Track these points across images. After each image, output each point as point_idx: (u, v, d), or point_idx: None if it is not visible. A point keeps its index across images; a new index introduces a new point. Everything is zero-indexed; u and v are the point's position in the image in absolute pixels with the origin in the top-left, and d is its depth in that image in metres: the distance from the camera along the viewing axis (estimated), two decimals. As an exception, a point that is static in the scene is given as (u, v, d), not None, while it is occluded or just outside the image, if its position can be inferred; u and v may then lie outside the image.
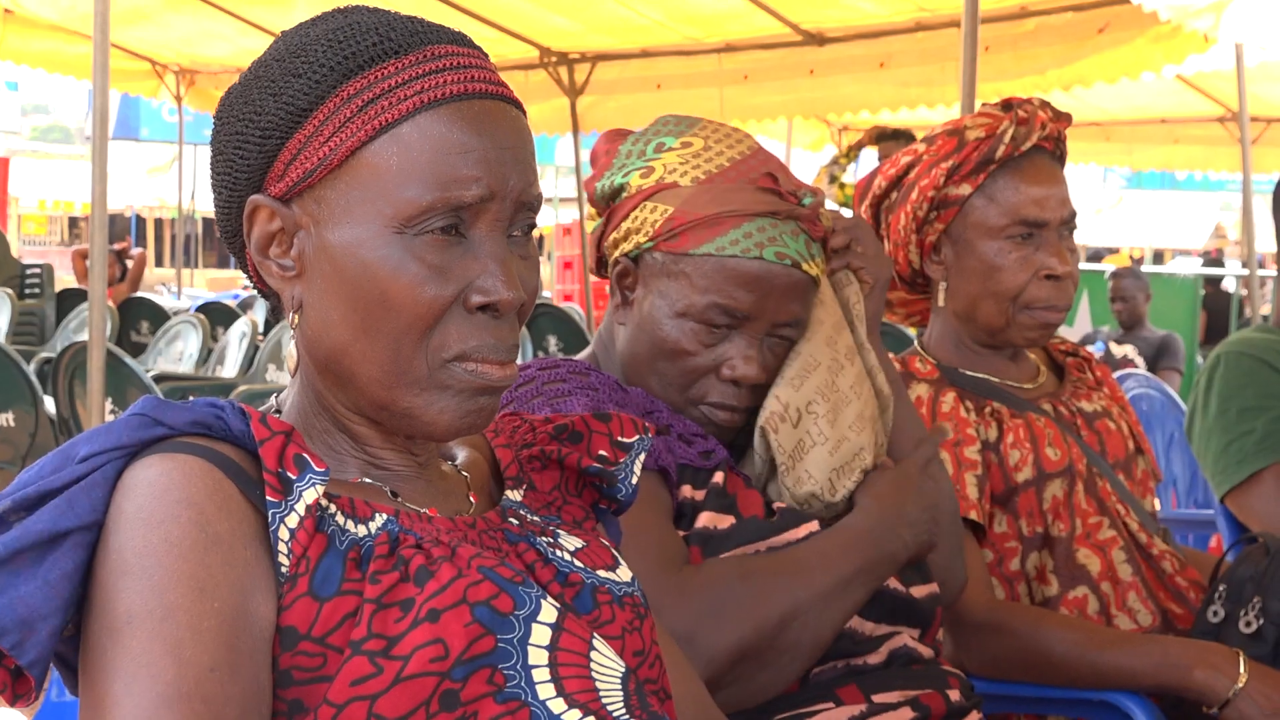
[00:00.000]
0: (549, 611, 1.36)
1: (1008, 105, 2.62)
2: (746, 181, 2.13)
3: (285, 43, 1.43)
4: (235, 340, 8.51)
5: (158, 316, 10.70)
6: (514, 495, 1.55)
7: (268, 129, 1.39)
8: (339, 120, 1.37)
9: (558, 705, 1.33)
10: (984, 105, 2.70)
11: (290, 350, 1.46)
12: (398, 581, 1.31)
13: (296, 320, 1.43)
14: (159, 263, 28.74)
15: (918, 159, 2.63)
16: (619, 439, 1.63)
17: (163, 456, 1.29)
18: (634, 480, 1.64)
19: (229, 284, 21.73)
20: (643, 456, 1.66)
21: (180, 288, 16.40)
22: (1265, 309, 10.38)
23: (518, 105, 1.45)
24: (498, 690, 1.30)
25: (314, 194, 1.39)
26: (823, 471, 2.14)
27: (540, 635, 1.34)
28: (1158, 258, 26.17)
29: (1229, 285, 12.87)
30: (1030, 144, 2.58)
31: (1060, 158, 2.66)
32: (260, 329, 9.23)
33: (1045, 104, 2.63)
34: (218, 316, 10.28)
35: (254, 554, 1.29)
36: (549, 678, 1.33)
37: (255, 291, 1.51)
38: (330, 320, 1.39)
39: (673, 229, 2.10)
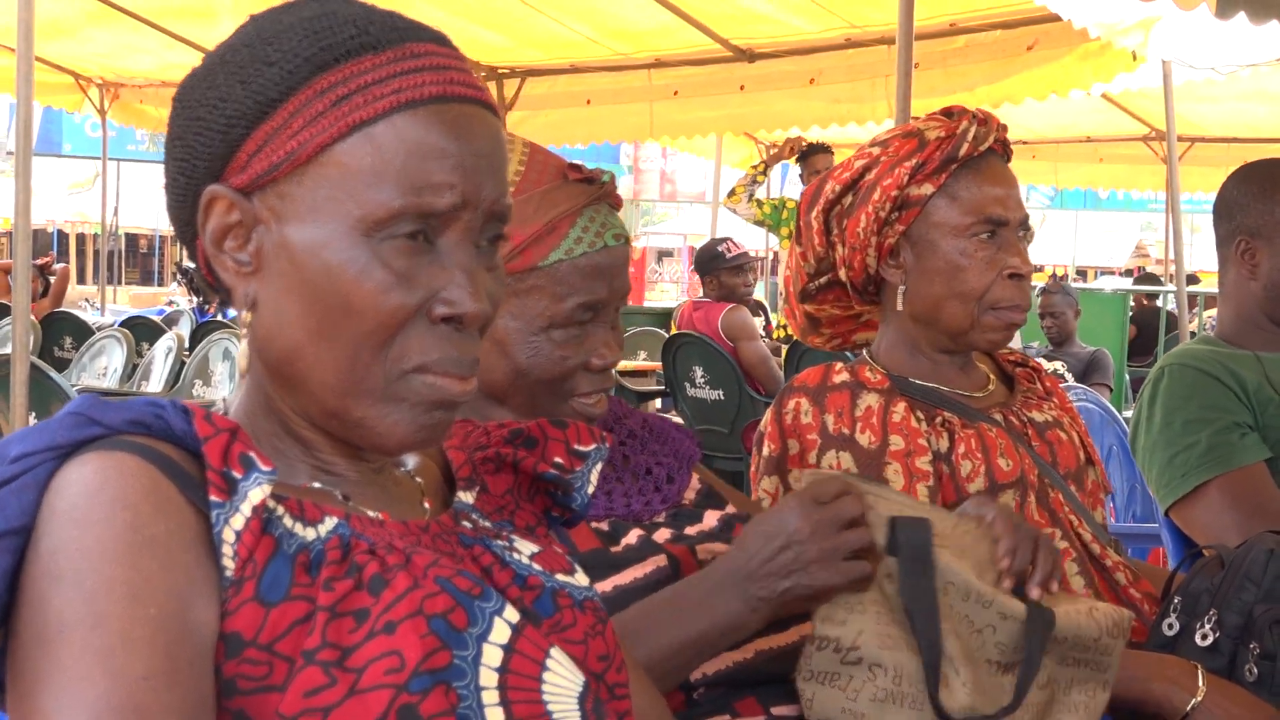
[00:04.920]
0: (501, 630, 1.31)
1: (949, 113, 2.61)
2: (555, 180, 2.10)
3: (256, 28, 1.36)
4: (161, 355, 8.39)
5: (81, 332, 10.56)
6: (466, 497, 1.51)
7: (233, 117, 1.33)
8: (310, 114, 1.31)
9: None
10: (927, 114, 2.68)
11: (243, 348, 1.39)
12: (351, 590, 1.25)
13: (249, 319, 1.37)
14: (80, 279, 28.51)
15: (874, 161, 2.61)
16: (575, 447, 1.59)
17: (98, 454, 1.22)
18: (590, 490, 1.60)
19: (152, 300, 21.57)
20: (599, 465, 1.61)
21: (104, 304, 16.22)
22: (1193, 325, 10.48)
23: (494, 111, 1.40)
24: (452, 709, 1.24)
25: (277, 189, 1.33)
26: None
27: (491, 656, 1.29)
28: (1081, 275, 26.39)
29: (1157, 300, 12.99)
30: (988, 144, 2.58)
31: (1008, 161, 2.65)
32: (186, 344, 9.12)
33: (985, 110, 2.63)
34: (142, 332, 10.13)
35: (194, 557, 1.22)
36: (498, 700, 1.28)
37: (203, 286, 1.45)
38: (285, 321, 1.34)
39: (513, 250, 2.05)
